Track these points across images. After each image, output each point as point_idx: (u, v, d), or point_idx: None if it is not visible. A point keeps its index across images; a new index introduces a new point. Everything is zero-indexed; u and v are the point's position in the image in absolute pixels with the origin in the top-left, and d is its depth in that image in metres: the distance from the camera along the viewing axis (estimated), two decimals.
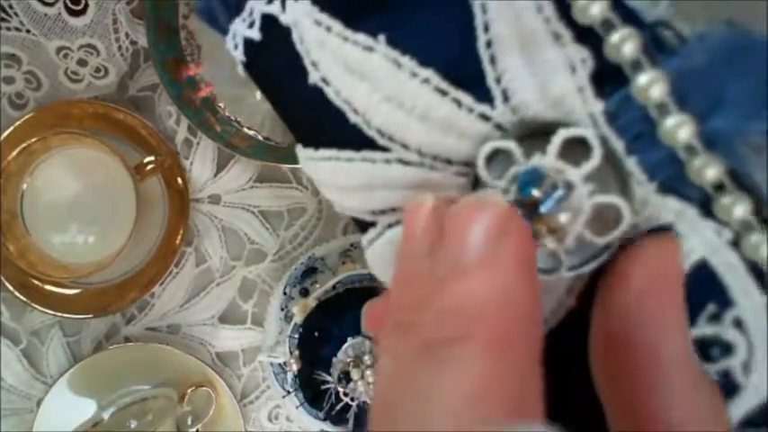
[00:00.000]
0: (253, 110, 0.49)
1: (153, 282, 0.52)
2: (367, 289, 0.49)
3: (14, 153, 0.47)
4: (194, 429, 0.53)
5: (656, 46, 0.16)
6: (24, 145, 0.47)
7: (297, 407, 0.51)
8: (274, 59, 0.20)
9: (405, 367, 0.15)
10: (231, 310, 0.55)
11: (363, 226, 0.21)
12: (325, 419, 0.50)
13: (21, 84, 0.52)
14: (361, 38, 0.18)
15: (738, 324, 0.17)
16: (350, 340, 0.48)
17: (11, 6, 0.51)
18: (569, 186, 0.16)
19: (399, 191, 0.19)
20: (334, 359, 0.48)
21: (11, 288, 0.51)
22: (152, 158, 0.49)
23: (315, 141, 0.20)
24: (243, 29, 0.20)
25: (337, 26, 0.19)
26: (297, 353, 0.49)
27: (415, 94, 0.18)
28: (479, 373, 0.14)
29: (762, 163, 0.17)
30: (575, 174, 0.16)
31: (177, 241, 0.52)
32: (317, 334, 0.49)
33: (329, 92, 0.19)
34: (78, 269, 0.49)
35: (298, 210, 0.55)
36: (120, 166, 0.47)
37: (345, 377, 0.48)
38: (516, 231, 0.15)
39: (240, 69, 0.22)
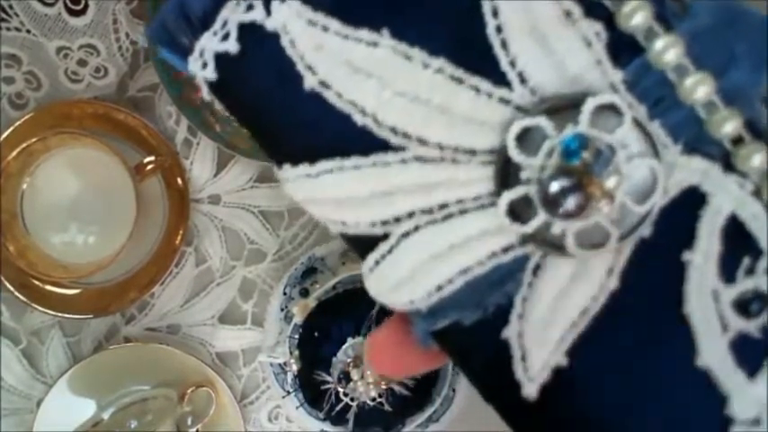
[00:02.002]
0: None
1: (153, 282, 0.52)
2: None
3: (14, 153, 0.47)
4: (194, 429, 0.53)
5: (664, 14, 0.17)
6: (24, 145, 0.47)
7: (297, 407, 0.51)
8: (256, 71, 0.19)
9: None
10: (231, 310, 0.55)
11: (367, 246, 0.19)
12: (325, 420, 0.50)
13: (21, 84, 0.52)
14: (364, 34, 0.18)
15: None
16: (350, 340, 0.48)
17: (11, 6, 0.51)
18: (612, 149, 0.16)
19: (418, 192, 0.18)
20: (334, 359, 0.48)
21: (11, 288, 0.51)
22: (152, 158, 0.49)
23: (311, 156, 0.19)
24: (214, 43, 0.19)
25: (335, 24, 0.18)
26: (297, 353, 0.49)
27: (430, 85, 0.17)
28: None
29: None
30: (611, 138, 0.16)
31: (177, 241, 0.52)
32: (316, 334, 0.49)
33: (330, 96, 0.18)
34: (78, 269, 0.49)
35: (298, 210, 0.55)
36: (120, 166, 0.47)
37: (345, 377, 0.48)
38: None
39: (205, 92, 0.20)
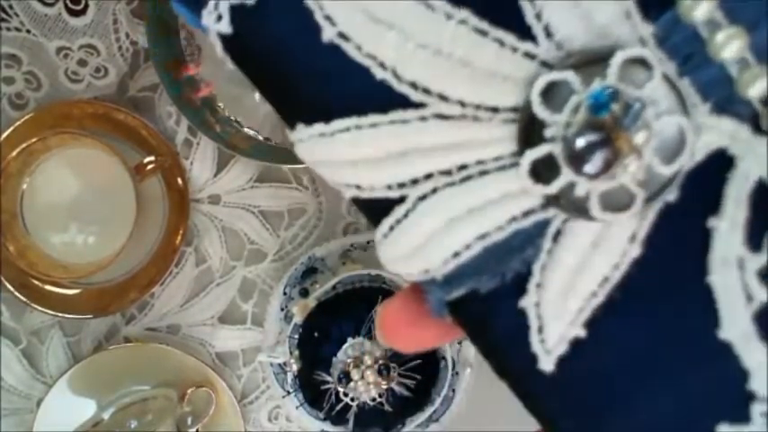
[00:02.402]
0: (253, 110, 0.49)
1: (153, 282, 0.52)
2: (367, 289, 0.49)
3: (14, 153, 0.47)
4: (194, 429, 0.53)
5: None
6: (24, 145, 0.47)
7: (297, 407, 0.51)
8: (273, 22, 0.18)
9: None
10: (231, 310, 0.55)
11: (382, 210, 0.18)
12: (325, 420, 0.50)
13: (21, 84, 0.52)
14: None
15: None
16: (350, 340, 0.48)
17: (11, 6, 0.51)
18: (642, 103, 0.16)
19: (437, 152, 0.17)
20: (334, 359, 0.48)
21: (11, 288, 0.51)
22: (152, 158, 0.49)
23: (326, 114, 0.18)
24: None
25: None
26: (297, 353, 0.49)
27: (453, 37, 0.17)
28: None
29: None
30: (641, 93, 0.16)
31: (177, 241, 0.52)
32: (316, 334, 0.49)
33: (349, 48, 0.17)
34: (78, 269, 0.49)
35: (298, 210, 0.55)
36: (120, 166, 0.47)
37: (345, 377, 0.48)
38: None
39: (219, 49, 0.19)
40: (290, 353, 0.49)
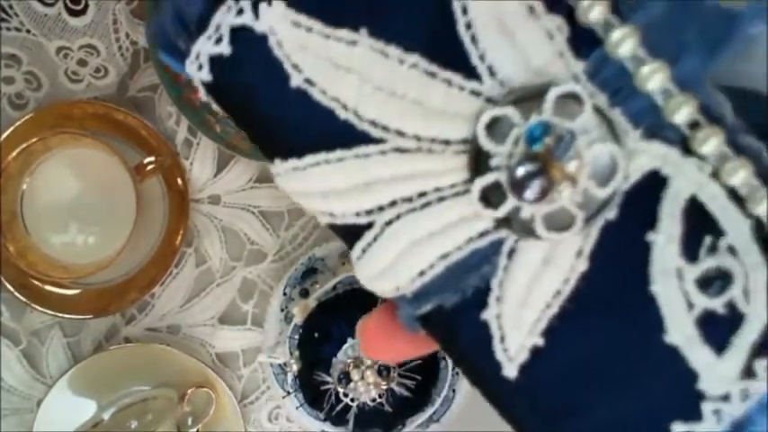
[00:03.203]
0: None
1: (153, 282, 0.52)
2: (366, 289, 0.49)
3: (14, 153, 0.47)
4: (194, 430, 0.53)
5: (620, 6, 0.18)
6: (24, 145, 0.47)
7: (297, 407, 0.51)
8: (247, 71, 0.20)
9: None
10: (231, 310, 0.55)
11: (354, 235, 0.20)
12: (325, 420, 0.50)
13: (21, 84, 0.52)
14: (344, 33, 0.19)
15: (733, 251, 0.18)
16: (350, 341, 0.48)
17: (11, 6, 0.51)
18: (572, 135, 0.17)
19: (398, 182, 0.19)
20: (334, 360, 0.48)
21: (11, 288, 0.51)
22: (152, 159, 0.49)
23: (298, 150, 0.20)
24: (209, 47, 0.20)
25: (317, 25, 0.19)
26: (297, 353, 0.49)
27: (405, 79, 0.18)
28: None
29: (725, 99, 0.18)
30: (572, 125, 0.18)
31: (177, 242, 0.52)
32: (316, 335, 0.49)
33: (314, 92, 0.19)
34: (78, 269, 0.49)
35: (298, 210, 0.55)
36: (120, 166, 0.47)
37: (345, 378, 0.48)
38: None
39: (202, 93, 0.21)
40: (291, 353, 0.49)
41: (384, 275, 0.20)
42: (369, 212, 0.20)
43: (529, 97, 0.18)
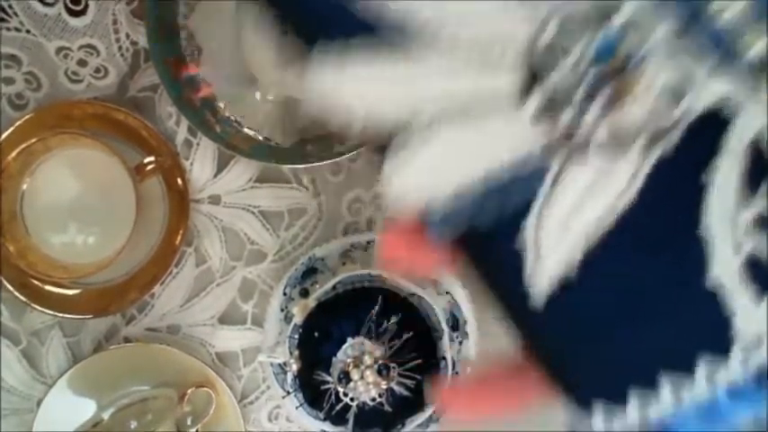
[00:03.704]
0: (253, 110, 0.49)
1: (153, 282, 0.52)
2: (367, 289, 0.49)
3: (14, 153, 0.47)
4: (194, 430, 0.53)
5: None
6: (24, 145, 0.47)
7: (297, 407, 0.51)
8: None
9: None
10: (231, 310, 0.55)
11: (389, 147, 0.19)
12: (324, 420, 0.50)
13: (21, 84, 0.52)
14: None
15: None
16: (350, 340, 0.48)
17: (11, 7, 0.51)
18: (648, 51, 0.17)
19: (445, 88, 0.18)
20: (333, 359, 0.48)
21: (11, 288, 0.51)
22: (152, 159, 0.49)
23: (338, 40, 0.19)
24: None
25: None
26: (297, 353, 0.49)
27: None
28: None
29: None
30: (648, 40, 0.17)
31: (177, 242, 0.52)
32: (316, 334, 0.49)
33: None
34: (78, 269, 0.49)
35: (298, 210, 0.55)
36: (120, 166, 0.47)
37: (345, 377, 0.48)
38: None
39: None
40: (290, 353, 0.49)
41: (418, 190, 0.19)
42: (409, 118, 0.18)
43: (603, 11, 0.17)
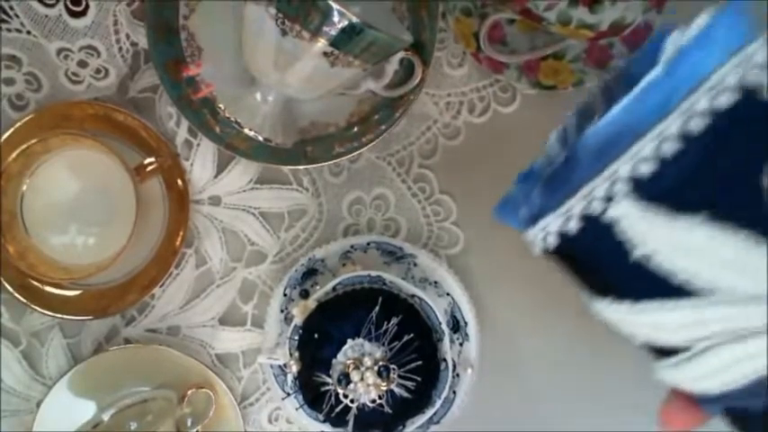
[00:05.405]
0: (253, 111, 0.49)
1: (153, 283, 0.52)
2: (367, 291, 0.49)
3: (14, 154, 0.47)
4: (194, 431, 0.53)
5: None
6: (24, 146, 0.47)
7: (297, 408, 0.51)
8: (591, 246, 0.26)
9: None
10: (231, 311, 0.55)
11: (668, 352, 0.26)
12: (324, 421, 0.49)
13: (21, 85, 0.52)
14: (684, 219, 0.24)
15: None
16: (350, 342, 0.48)
17: (11, 8, 0.51)
18: None
19: (719, 323, 0.25)
20: (333, 361, 0.48)
21: (11, 289, 0.51)
22: (152, 160, 0.49)
23: (633, 295, 0.26)
24: (558, 223, 0.26)
25: (661, 211, 0.24)
26: (297, 354, 0.49)
27: (735, 249, 0.24)
28: None
29: None
30: None
31: (177, 243, 0.52)
32: (316, 335, 0.48)
33: (653, 263, 0.25)
34: (78, 270, 0.49)
35: (298, 211, 0.55)
36: (120, 167, 0.47)
37: (345, 379, 0.48)
38: None
39: (537, 251, 0.28)
40: (290, 354, 0.49)
41: (695, 382, 0.26)
42: (689, 342, 0.25)
43: None
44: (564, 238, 0.26)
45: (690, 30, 0.24)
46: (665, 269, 0.24)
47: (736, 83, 0.23)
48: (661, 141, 0.24)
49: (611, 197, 0.25)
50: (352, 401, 0.49)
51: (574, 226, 0.26)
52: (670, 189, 0.24)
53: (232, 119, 0.48)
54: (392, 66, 0.49)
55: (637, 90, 0.24)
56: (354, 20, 0.41)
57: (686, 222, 0.24)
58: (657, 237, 0.24)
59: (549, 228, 0.27)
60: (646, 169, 0.24)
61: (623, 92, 0.25)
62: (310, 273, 0.53)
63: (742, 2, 0.24)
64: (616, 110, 0.24)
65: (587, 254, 0.26)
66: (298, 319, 0.49)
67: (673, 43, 0.24)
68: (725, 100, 0.23)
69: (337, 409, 0.49)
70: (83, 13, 0.51)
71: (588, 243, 0.26)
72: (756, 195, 0.23)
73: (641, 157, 0.24)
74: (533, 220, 0.27)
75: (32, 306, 0.51)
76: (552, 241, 0.27)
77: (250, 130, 0.48)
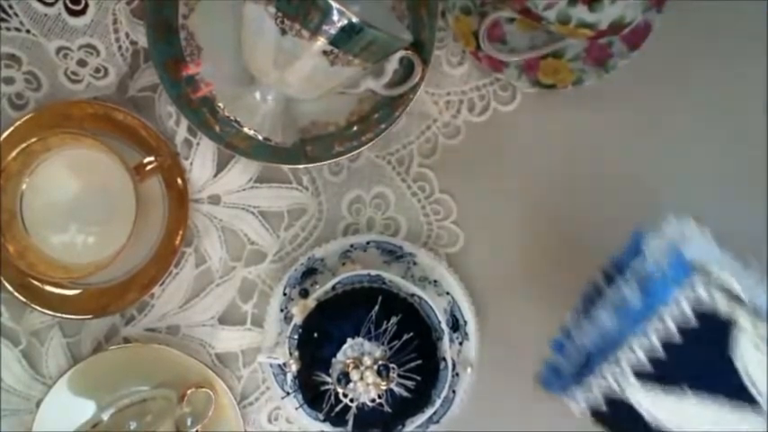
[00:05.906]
0: (252, 110, 0.49)
1: (152, 282, 0.52)
2: (367, 290, 0.49)
3: (14, 153, 0.47)
4: (194, 430, 0.53)
5: None
6: (24, 145, 0.47)
7: (296, 408, 0.51)
8: (617, 417, 0.37)
9: None
10: (231, 310, 0.55)
11: None
12: (324, 420, 0.49)
13: (21, 84, 0.52)
14: (675, 392, 0.35)
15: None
16: (349, 341, 0.48)
17: (11, 6, 0.51)
18: None
19: None
20: (333, 360, 0.48)
21: (11, 288, 0.51)
22: (152, 159, 0.49)
23: None
24: (584, 398, 0.38)
25: (657, 389, 0.36)
26: (296, 354, 0.49)
27: (717, 413, 0.34)
28: None
29: None
30: None
31: (177, 242, 0.52)
32: (316, 335, 0.48)
33: (662, 426, 0.36)
34: (78, 270, 0.49)
35: (298, 210, 0.55)
36: (119, 166, 0.47)
37: (345, 378, 0.48)
38: None
39: (579, 413, 0.39)
40: (290, 353, 0.49)
41: None
42: None
43: None
44: (594, 407, 0.37)
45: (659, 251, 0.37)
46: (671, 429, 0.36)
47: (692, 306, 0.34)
48: (648, 343, 0.35)
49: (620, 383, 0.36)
50: (351, 401, 0.49)
51: (601, 399, 0.37)
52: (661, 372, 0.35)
53: (231, 118, 0.48)
54: (392, 64, 0.49)
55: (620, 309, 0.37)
56: (354, 19, 0.41)
57: (675, 394, 0.34)
58: (659, 408, 0.35)
59: (579, 398, 0.37)
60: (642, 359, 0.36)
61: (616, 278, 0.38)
62: (310, 272, 0.53)
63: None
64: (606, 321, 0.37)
65: (615, 420, 0.37)
66: (297, 319, 0.49)
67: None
68: (685, 318, 0.34)
69: (337, 409, 0.49)
70: (82, 12, 0.51)
71: (617, 412, 0.37)
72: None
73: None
74: (566, 392, 0.38)
75: (32, 305, 0.51)
76: (584, 407, 0.37)
77: (250, 129, 0.48)
